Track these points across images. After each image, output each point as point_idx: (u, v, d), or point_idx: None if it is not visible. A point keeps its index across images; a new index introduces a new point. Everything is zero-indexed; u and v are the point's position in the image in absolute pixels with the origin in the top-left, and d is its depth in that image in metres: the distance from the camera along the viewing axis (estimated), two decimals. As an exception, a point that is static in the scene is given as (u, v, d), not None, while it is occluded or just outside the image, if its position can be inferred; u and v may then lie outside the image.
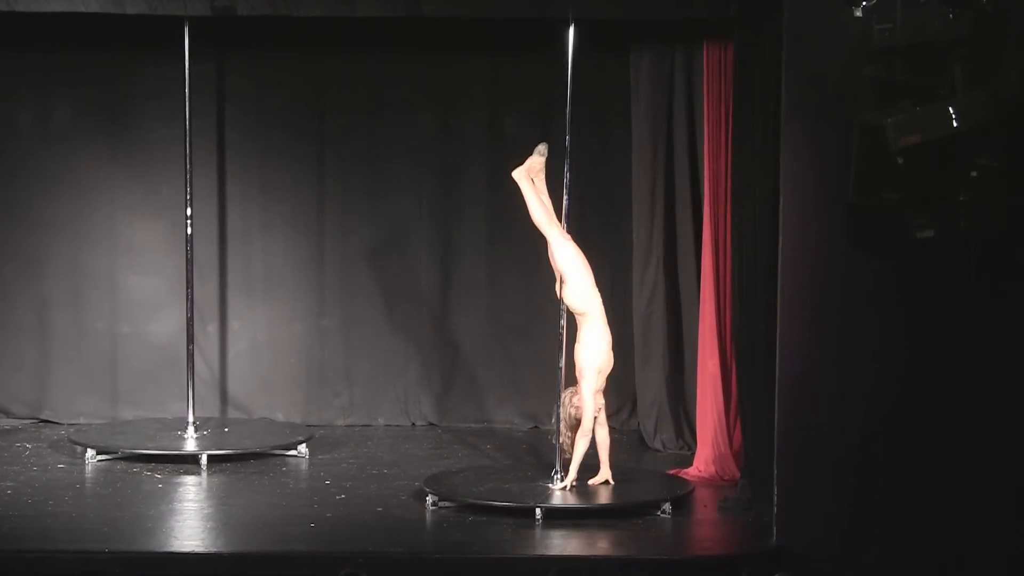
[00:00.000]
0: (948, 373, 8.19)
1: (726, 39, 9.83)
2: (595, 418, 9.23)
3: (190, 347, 10.75)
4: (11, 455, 10.47)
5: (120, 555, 8.22)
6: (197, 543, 8.65)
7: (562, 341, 9.38)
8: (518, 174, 9.33)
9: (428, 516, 9.08)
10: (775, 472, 8.37)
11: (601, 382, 9.27)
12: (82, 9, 9.54)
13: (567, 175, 9.30)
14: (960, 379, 8.19)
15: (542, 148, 9.34)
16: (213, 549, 8.48)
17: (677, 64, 10.68)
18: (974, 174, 7.73)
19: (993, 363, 8.16)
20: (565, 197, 9.30)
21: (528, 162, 9.33)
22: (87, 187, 11.42)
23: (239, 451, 10.39)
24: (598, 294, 9.29)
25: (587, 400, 9.18)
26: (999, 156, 7.73)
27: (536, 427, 11.43)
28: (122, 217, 11.47)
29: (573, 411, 9.26)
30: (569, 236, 9.30)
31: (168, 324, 11.38)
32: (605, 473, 9.35)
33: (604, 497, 9.24)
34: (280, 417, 11.50)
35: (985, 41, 7.67)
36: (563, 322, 9.36)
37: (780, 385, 8.33)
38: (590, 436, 9.24)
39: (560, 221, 9.33)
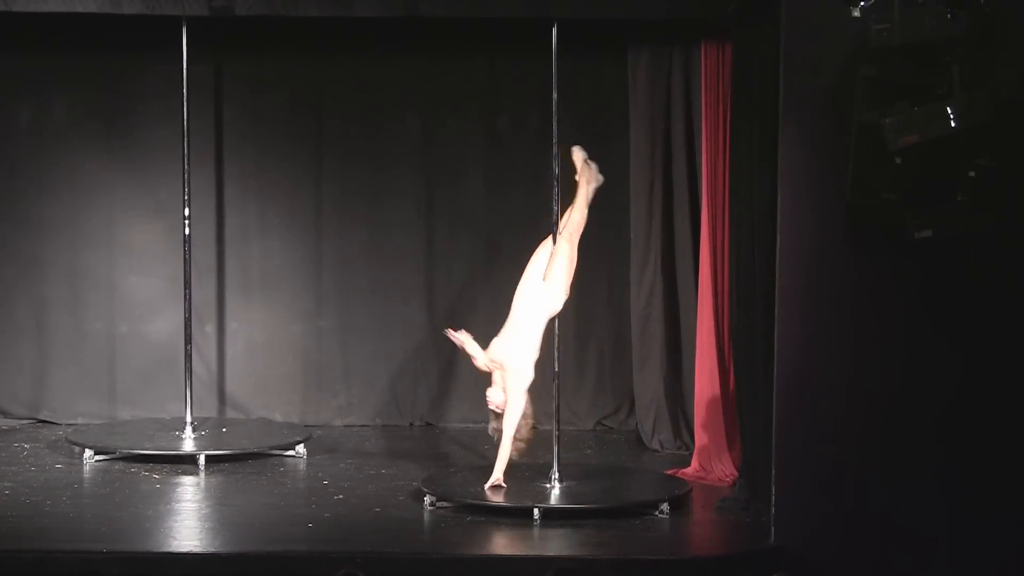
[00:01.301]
0: (946, 373, 8.20)
1: (724, 39, 9.83)
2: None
3: (188, 347, 10.74)
4: (9, 455, 10.46)
5: (118, 555, 8.22)
6: (195, 543, 8.65)
7: (556, 342, 9.38)
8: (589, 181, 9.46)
9: (426, 516, 9.08)
10: (773, 472, 8.37)
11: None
12: (80, 9, 9.53)
13: (556, 172, 9.32)
14: (958, 379, 8.19)
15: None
16: (211, 549, 8.48)
17: (675, 64, 10.68)
18: (972, 174, 7.73)
19: (992, 363, 8.17)
20: (555, 199, 9.32)
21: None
22: (85, 188, 11.42)
23: (237, 451, 10.39)
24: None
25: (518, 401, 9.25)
26: (997, 156, 7.74)
27: (533, 428, 11.40)
28: (120, 218, 11.47)
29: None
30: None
31: (166, 324, 11.38)
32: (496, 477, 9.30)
33: (602, 497, 9.25)
34: (278, 417, 11.49)
35: (983, 41, 7.68)
36: (557, 323, 9.36)
37: (778, 385, 8.33)
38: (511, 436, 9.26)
39: (558, 221, 9.35)
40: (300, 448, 10.47)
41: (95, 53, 11.16)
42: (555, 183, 9.34)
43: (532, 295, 9.25)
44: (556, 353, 9.41)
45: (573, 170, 9.52)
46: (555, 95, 9.27)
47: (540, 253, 9.34)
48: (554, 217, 9.33)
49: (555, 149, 9.31)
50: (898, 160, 7.71)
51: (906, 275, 8.16)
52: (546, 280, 9.24)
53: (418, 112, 11.45)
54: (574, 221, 9.40)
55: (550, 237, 9.37)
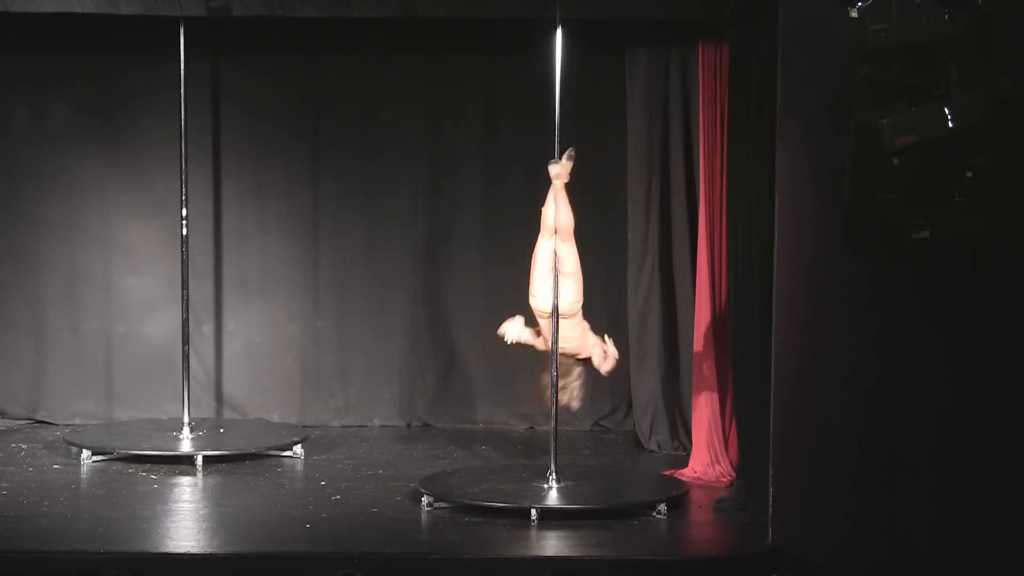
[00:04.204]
0: (944, 373, 8.20)
1: (721, 39, 9.83)
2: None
3: (185, 348, 10.73)
4: (6, 456, 10.46)
5: (115, 556, 8.21)
6: (192, 544, 8.65)
7: (557, 343, 9.37)
8: (562, 176, 9.37)
9: (424, 517, 9.07)
10: (771, 472, 8.37)
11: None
12: (78, 9, 9.53)
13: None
14: (956, 379, 8.19)
15: (571, 152, 9.34)
16: (208, 550, 8.47)
17: (672, 64, 10.68)
18: (969, 175, 7.73)
19: (988, 364, 8.16)
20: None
21: (562, 170, 9.33)
22: (82, 187, 11.42)
23: (234, 452, 10.39)
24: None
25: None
26: (994, 156, 7.74)
27: (532, 428, 11.43)
28: (117, 217, 11.47)
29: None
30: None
31: (163, 325, 11.38)
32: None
33: (599, 498, 9.25)
34: (275, 418, 11.50)
35: (980, 41, 7.68)
36: (556, 323, 9.35)
37: (775, 385, 8.33)
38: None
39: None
40: (298, 449, 10.47)
41: (93, 53, 11.17)
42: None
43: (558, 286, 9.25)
44: (554, 354, 9.40)
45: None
46: (557, 94, 9.25)
47: (540, 254, 9.32)
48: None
49: (556, 147, 9.29)
50: (896, 160, 7.71)
51: (904, 275, 8.16)
52: (563, 274, 9.23)
53: (416, 112, 11.45)
54: (563, 223, 9.33)
55: (542, 237, 9.34)
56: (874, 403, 8.25)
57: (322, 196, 11.52)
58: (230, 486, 9.77)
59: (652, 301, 10.91)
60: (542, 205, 9.47)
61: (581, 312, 9.41)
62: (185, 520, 9.14)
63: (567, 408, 9.63)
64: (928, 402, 8.22)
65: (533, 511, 8.90)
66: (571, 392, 9.52)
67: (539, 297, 9.31)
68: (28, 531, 8.69)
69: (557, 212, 9.29)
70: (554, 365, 9.36)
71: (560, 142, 9.25)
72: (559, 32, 9.19)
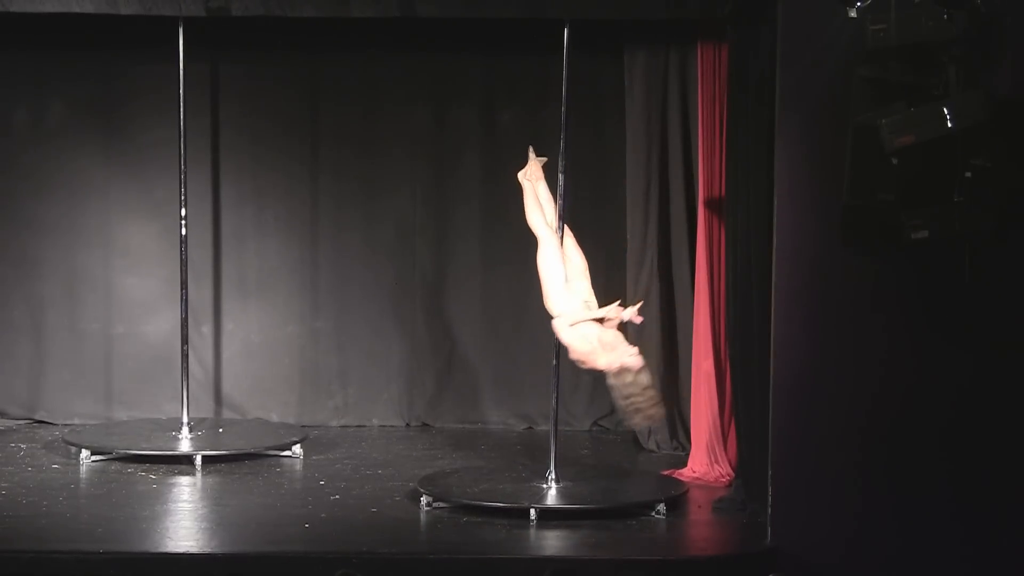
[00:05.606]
0: (943, 374, 8.20)
1: (720, 39, 9.83)
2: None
3: (184, 348, 10.73)
4: (5, 456, 10.46)
5: (114, 556, 8.21)
6: (191, 544, 8.65)
7: (558, 343, 9.37)
8: (523, 176, 9.31)
9: (423, 517, 9.07)
10: (770, 473, 8.37)
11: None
12: (76, 10, 9.52)
13: (561, 176, 9.30)
14: (955, 380, 8.19)
15: (531, 154, 9.31)
16: (207, 550, 8.47)
17: (671, 64, 10.68)
18: (968, 175, 7.73)
19: (989, 364, 8.16)
20: (560, 199, 9.30)
21: (527, 167, 9.31)
22: (81, 188, 11.42)
23: (233, 452, 10.38)
24: (572, 298, 9.10)
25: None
26: (993, 156, 7.74)
27: (531, 428, 11.43)
28: (116, 218, 11.47)
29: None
30: (559, 241, 9.19)
31: (162, 325, 11.38)
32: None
33: (598, 498, 9.25)
34: (274, 418, 11.49)
35: (979, 42, 7.69)
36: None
37: (774, 386, 8.33)
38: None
39: (557, 222, 9.31)
40: (296, 448, 10.47)
41: (92, 53, 11.16)
42: (560, 178, 9.28)
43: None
44: (555, 356, 9.39)
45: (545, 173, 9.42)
46: (564, 93, 9.25)
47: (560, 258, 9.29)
48: (559, 212, 9.28)
49: (561, 146, 9.28)
50: (895, 161, 7.72)
51: (902, 276, 8.16)
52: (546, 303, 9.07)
53: (416, 113, 11.44)
54: (533, 224, 9.25)
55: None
56: (873, 403, 8.25)
57: (321, 196, 11.52)
58: (229, 486, 9.77)
59: (651, 302, 10.89)
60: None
61: (574, 317, 8.91)
62: (184, 520, 9.14)
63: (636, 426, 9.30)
64: (928, 402, 8.22)
65: (532, 511, 8.90)
66: (633, 407, 8.78)
67: None
68: (27, 531, 8.69)
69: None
70: (555, 370, 9.37)
71: (565, 142, 9.25)
72: (566, 32, 9.19)
